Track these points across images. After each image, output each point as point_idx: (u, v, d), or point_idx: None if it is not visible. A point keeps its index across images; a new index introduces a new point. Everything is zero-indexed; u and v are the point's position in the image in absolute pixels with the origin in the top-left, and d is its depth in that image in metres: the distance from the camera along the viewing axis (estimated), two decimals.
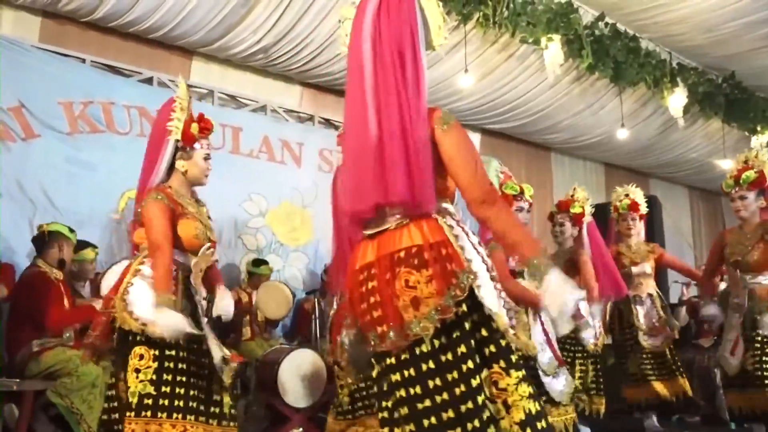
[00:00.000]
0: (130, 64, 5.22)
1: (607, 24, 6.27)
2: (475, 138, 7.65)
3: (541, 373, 3.33)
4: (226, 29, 5.18)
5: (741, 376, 3.75)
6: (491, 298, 1.65)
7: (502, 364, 1.64)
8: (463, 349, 1.63)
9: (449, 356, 1.62)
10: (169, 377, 2.46)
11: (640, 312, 4.58)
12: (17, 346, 3.68)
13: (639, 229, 4.77)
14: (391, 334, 1.63)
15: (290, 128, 6.01)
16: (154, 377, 2.43)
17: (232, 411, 2.66)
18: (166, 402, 2.43)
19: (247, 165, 5.54)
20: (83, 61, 4.99)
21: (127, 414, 2.41)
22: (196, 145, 2.73)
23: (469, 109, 6.89)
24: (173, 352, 2.49)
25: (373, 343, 1.68)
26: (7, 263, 4.01)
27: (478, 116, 7.11)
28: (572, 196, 4.42)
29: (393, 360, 1.66)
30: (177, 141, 2.69)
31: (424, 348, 1.62)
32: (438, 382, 1.60)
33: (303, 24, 5.23)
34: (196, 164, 2.74)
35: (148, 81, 5.28)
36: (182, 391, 2.47)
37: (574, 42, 6.06)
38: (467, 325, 1.66)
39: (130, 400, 2.41)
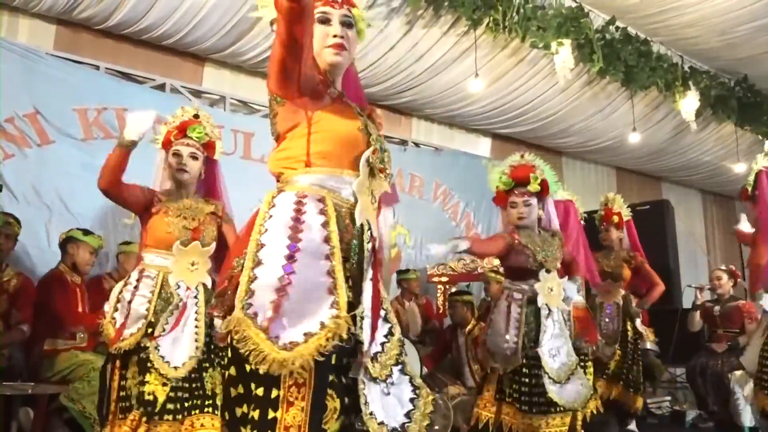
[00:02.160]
0: (144, 70, 5.28)
1: (618, 28, 6.25)
2: (486, 142, 7.66)
3: (547, 380, 3.13)
4: (237, 36, 5.23)
5: None
6: (245, 291, 1.44)
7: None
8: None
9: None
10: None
11: (604, 319, 4.60)
12: (33, 343, 3.77)
13: (615, 238, 4.78)
14: None
15: None
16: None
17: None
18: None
19: (259, 170, 5.55)
20: (97, 68, 5.05)
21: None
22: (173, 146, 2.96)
23: (479, 114, 6.90)
24: None
25: None
26: (27, 276, 4.04)
27: (489, 120, 7.12)
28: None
29: None
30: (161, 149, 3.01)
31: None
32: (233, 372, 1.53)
33: None
34: (170, 163, 2.96)
35: (161, 87, 5.33)
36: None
37: (585, 46, 6.04)
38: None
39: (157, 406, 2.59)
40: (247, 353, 1.37)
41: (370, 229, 1.60)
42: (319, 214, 1.53)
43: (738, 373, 5.02)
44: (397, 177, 6.58)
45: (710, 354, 5.37)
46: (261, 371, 1.37)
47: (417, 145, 6.98)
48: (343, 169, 1.61)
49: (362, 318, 1.49)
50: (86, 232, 4.06)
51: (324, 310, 1.42)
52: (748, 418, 4.87)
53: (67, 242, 3.99)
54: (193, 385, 2.73)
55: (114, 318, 2.69)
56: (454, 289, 5.87)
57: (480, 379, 3.40)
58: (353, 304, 1.50)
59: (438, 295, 6.10)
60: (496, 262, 5.91)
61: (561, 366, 3.22)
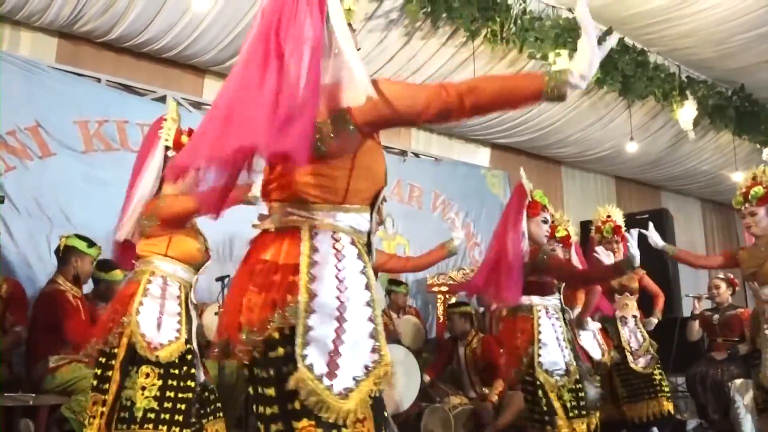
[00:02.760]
0: (144, 83, 5.32)
1: None
2: (485, 152, 7.70)
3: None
4: (237, 48, 5.26)
5: None
6: (302, 343, 1.47)
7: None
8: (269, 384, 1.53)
9: (263, 374, 1.54)
10: (172, 394, 2.59)
11: (626, 333, 4.61)
12: (35, 360, 3.75)
13: (620, 251, 4.80)
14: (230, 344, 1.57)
15: None
16: (158, 393, 2.56)
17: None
18: (167, 416, 2.56)
19: (259, 180, 5.59)
20: (98, 80, 5.09)
21: (132, 426, 2.53)
22: None
23: (478, 124, 6.93)
24: (177, 371, 2.63)
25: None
26: (15, 280, 4.06)
27: (488, 131, 7.16)
28: (552, 222, 4.35)
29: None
30: (168, 148, 2.75)
31: (255, 370, 1.55)
32: (271, 392, 1.52)
33: None
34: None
35: (162, 99, 5.36)
36: (183, 406, 2.60)
37: None
38: (277, 354, 1.51)
39: (136, 414, 2.53)
40: (314, 406, 1.44)
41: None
42: (357, 260, 1.58)
43: (738, 381, 5.02)
44: (396, 187, 6.61)
45: (710, 362, 5.36)
46: (324, 419, 1.44)
47: (416, 155, 7.01)
48: (365, 205, 1.64)
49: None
50: (89, 244, 4.01)
51: (367, 354, 1.51)
52: (748, 427, 4.87)
53: (69, 253, 3.94)
54: (204, 394, 2.82)
55: (138, 321, 2.59)
56: (453, 300, 5.88)
57: (545, 406, 3.23)
58: None
59: (438, 305, 6.11)
60: None
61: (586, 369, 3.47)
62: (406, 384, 4.57)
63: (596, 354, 4.38)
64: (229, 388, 4.11)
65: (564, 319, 3.40)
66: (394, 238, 6.47)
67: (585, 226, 6.61)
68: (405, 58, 5.72)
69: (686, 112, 6.89)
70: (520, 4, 5.69)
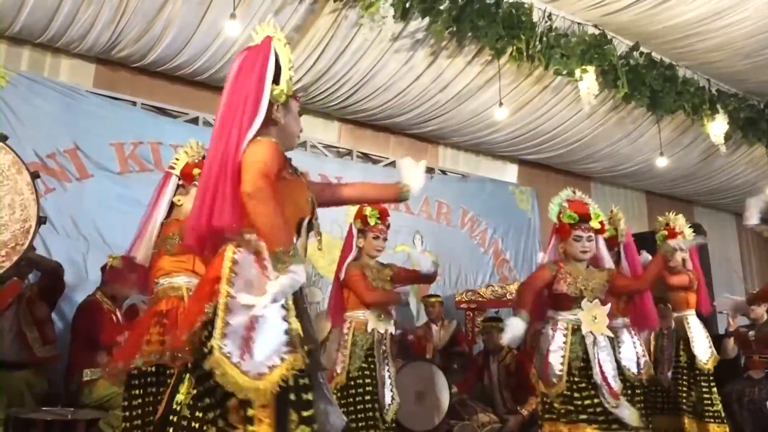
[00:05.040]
0: (178, 105, 5.46)
1: (642, 53, 6.27)
2: (513, 168, 7.69)
3: (606, 405, 3.26)
4: None
5: None
6: (220, 335, 1.74)
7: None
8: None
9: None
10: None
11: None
12: (74, 370, 3.88)
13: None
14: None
15: (329, 163, 6.18)
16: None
17: None
18: None
19: None
20: (134, 104, 5.25)
21: None
22: (196, 183, 2.88)
23: (505, 140, 6.95)
24: None
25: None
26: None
27: (515, 147, 7.16)
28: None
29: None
30: (178, 177, 2.99)
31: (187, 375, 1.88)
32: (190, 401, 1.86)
33: (340, 64, 5.41)
34: (191, 199, 2.87)
35: (194, 121, 5.52)
36: None
37: (609, 72, 6.06)
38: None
39: None
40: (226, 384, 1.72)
41: None
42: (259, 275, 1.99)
43: None
44: (424, 204, 6.64)
45: (747, 381, 5.24)
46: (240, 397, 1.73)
47: (443, 172, 7.04)
48: None
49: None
50: None
51: (281, 347, 1.77)
52: None
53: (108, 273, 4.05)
54: None
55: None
56: (482, 317, 5.86)
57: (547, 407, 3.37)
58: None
59: (466, 321, 6.09)
60: None
61: (608, 394, 3.33)
62: (435, 401, 4.57)
63: (632, 367, 4.28)
64: None
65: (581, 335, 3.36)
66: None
67: None
68: (431, 77, 5.78)
69: (717, 126, 6.80)
70: (546, 22, 5.71)
